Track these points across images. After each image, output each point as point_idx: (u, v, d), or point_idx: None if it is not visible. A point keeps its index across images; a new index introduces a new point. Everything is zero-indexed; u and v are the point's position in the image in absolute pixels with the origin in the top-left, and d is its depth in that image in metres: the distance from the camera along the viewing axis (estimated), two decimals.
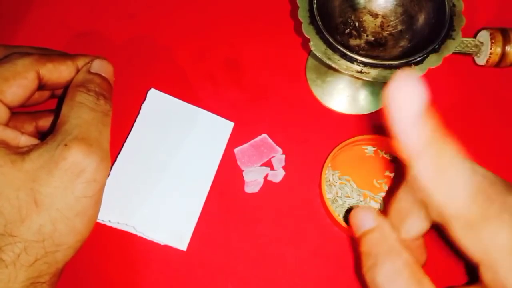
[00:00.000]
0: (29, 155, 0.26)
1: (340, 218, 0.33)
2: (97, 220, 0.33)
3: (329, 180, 0.36)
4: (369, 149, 0.37)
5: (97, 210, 0.28)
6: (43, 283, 0.26)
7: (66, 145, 0.26)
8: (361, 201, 0.35)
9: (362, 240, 0.26)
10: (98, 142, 0.27)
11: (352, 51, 0.31)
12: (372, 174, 0.36)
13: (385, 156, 0.37)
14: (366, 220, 0.26)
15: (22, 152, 0.26)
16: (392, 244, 0.25)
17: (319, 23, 0.32)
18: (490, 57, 0.38)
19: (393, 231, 0.26)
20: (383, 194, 0.36)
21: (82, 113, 0.27)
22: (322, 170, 0.34)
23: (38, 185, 0.25)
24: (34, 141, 0.28)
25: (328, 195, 0.35)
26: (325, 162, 0.35)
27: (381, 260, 0.24)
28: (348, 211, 0.35)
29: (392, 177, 0.36)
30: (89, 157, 0.26)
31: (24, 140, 0.28)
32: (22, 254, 0.25)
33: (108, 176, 0.34)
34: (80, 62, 0.30)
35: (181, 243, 0.34)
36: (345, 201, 0.35)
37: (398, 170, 0.37)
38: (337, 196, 0.35)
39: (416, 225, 0.26)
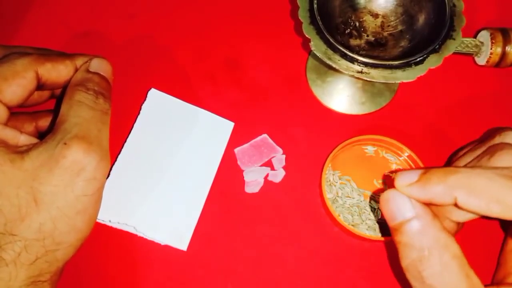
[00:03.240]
0: (29, 154, 0.26)
1: (340, 218, 0.33)
2: (97, 220, 0.33)
3: (330, 180, 0.36)
4: (369, 149, 0.37)
5: (97, 208, 0.28)
6: (43, 282, 0.26)
7: (65, 143, 0.26)
8: (361, 201, 0.35)
9: (401, 230, 0.24)
10: (98, 140, 0.27)
11: (352, 51, 0.31)
12: (372, 174, 0.36)
13: (385, 156, 0.37)
14: (404, 209, 0.24)
15: (21, 151, 0.26)
16: (438, 235, 0.23)
17: (320, 23, 0.32)
18: (490, 57, 0.38)
19: (435, 218, 0.24)
20: None
21: (81, 111, 0.27)
22: (322, 170, 0.34)
23: (38, 183, 0.25)
24: (33, 140, 0.28)
25: (328, 195, 0.35)
26: (325, 162, 0.35)
27: (428, 253, 0.23)
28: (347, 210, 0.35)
29: (392, 178, 0.36)
30: (89, 155, 0.26)
31: (23, 139, 0.28)
32: (22, 253, 0.25)
33: (109, 175, 0.34)
34: (79, 62, 0.30)
35: (181, 243, 0.34)
36: (345, 201, 0.35)
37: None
38: (337, 196, 0.35)
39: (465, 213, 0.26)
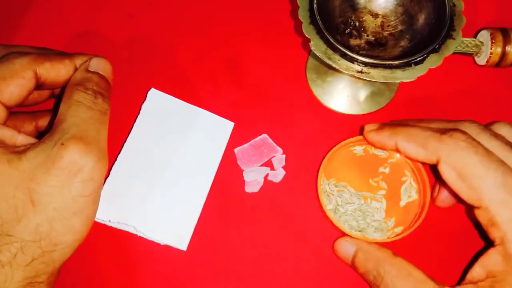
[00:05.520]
0: (26, 154, 0.25)
1: (344, 227, 0.32)
2: (97, 220, 0.33)
3: (326, 190, 0.35)
4: (358, 149, 0.36)
5: (95, 209, 0.28)
6: (40, 283, 0.25)
7: (63, 144, 0.26)
8: (362, 204, 0.34)
9: (355, 266, 0.31)
10: (96, 140, 0.27)
11: (352, 51, 0.31)
12: (366, 174, 0.36)
13: (375, 153, 0.36)
14: (347, 249, 0.32)
15: (18, 151, 0.26)
16: (376, 256, 0.30)
17: (320, 23, 0.32)
18: (490, 57, 0.37)
19: (371, 244, 0.31)
20: (383, 192, 0.35)
21: (80, 111, 0.27)
22: (317, 182, 0.34)
23: (35, 184, 0.25)
24: (32, 140, 0.28)
25: (328, 206, 0.34)
26: (318, 171, 0.34)
27: (376, 272, 0.29)
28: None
29: (387, 173, 0.36)
30: (86, 156, 0.26)
31: (21, 139, 0.28)
32: (18, 254, 0.24)
33: (108, 175, 0.34)
34: (78, 61, 0.30)
35: (181, 243, 0.34)
36: (347, 209, 0.34)
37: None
38: (338, 205, 0.34)
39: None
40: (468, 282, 0.28)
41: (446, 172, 0.28)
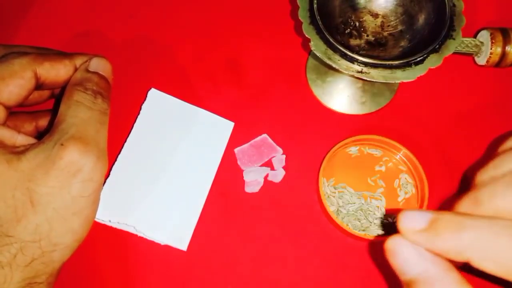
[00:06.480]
0: (25, 155, 0.25)
1: (349, 228, 0.33)
2: (97, 220, 0.33)
3: (327, 193, 0.35)
4: (353, 150, 0.37)
5: (94, 209, 0.28)
6: (39, 283, 0.25)
7: (62, 144, 0.26)
8: (363, 203, 0.35)
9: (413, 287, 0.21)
10: (95, 141, 0.27)
11: (352, 51, 0.31)
12: (364, 174, 0.36)
13: (369, 152, 0.37)
14: (412, 263, 0.21)
15: (18, 152, 0.26)
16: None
17: (320, 23, 0.32)
18: (490, 57, 0.37)
19: (450, 271, 0.21)
20: (381, 190, 0.36)
21: (79, 112, 0.27)
22: (317, 183, 0.34)
23: (34, 184, 0.25)
24: (31, 140, 0.28)
25: (331, 208, 0.34)
26: (318, 171, 0.35)
27: None
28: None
29: (383, 171, 0.37)
30: (86, 156, 0.26)
31: (21, 140, 0.28)
32: (18, 255, 0.24)
33: (109, 175, 0.34)
34: (78, 61, 0.30)
35: (181, 243, 0.34)
36: (348, 209, 0.34)
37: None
38: (340, 207, 0.35)
39: None
40: None
41: None
